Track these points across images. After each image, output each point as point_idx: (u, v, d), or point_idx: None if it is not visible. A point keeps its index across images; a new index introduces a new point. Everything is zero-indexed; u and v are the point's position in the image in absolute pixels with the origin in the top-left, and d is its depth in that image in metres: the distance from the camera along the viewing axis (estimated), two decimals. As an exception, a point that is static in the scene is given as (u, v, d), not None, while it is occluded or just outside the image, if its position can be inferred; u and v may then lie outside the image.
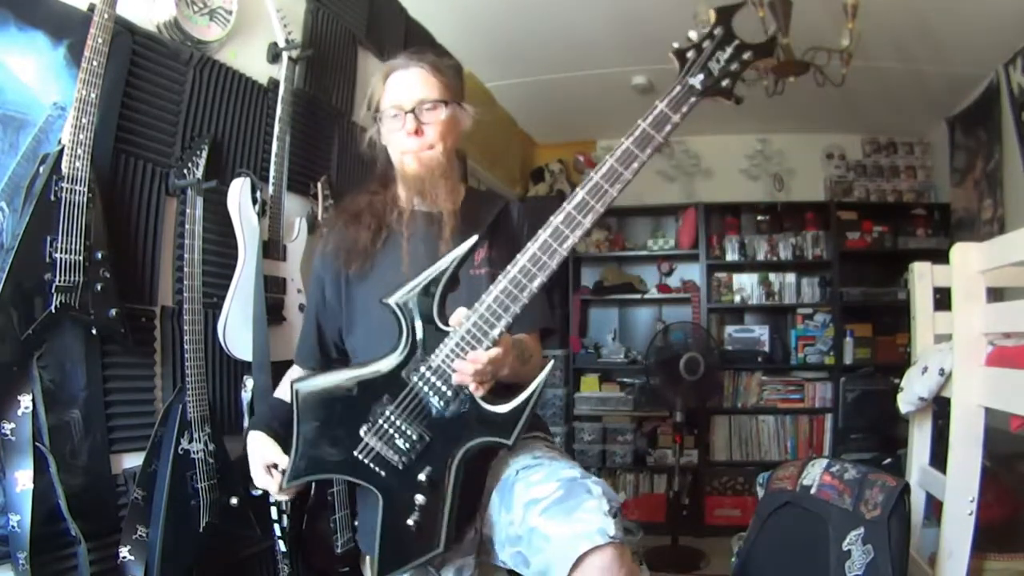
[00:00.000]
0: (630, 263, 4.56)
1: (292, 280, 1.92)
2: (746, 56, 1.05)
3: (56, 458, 1.34)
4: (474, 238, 1.14)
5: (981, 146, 3.58)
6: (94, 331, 1.40)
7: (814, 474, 1.87)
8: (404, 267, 1.31)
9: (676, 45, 1.06)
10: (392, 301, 1.15)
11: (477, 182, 3.63)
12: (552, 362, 1.17)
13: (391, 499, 1.14)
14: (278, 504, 1.74)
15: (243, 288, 1.74)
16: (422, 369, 1.13)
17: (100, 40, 1.36)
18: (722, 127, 4.33)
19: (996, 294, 1.98)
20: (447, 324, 1.12)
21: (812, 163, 4.45)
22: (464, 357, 1.09)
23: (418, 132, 1.31)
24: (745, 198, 4.42)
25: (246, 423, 1.78)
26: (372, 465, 1.15)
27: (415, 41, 2.72)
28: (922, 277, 2.17)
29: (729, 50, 1.05)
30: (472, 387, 1.10)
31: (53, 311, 1.32)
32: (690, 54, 1.05)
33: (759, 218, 4.40)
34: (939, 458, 1.97)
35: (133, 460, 1.55)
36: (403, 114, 1.31)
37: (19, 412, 1.32)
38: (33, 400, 1.33)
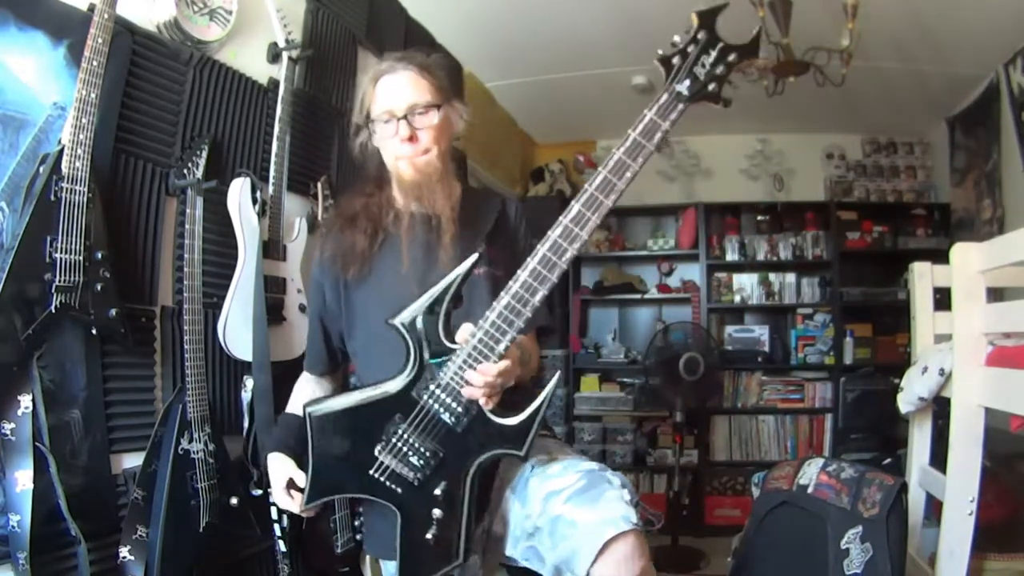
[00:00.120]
0: (630, 263, 4.56)
1: (292, 280, 1.92)
2: (731, 58, 1.05)
3: (56, 458, 1.34)
4: (474, 256, 1.15)
5: (981, 146, 3.58)
6: (94, 331, 1.40)
7: (811, 473, 1.87)
8: (404, 272, 1.32)
9: (661, 52, 1.06)
10: (398, 321, 1.16)
11: (477, 182, 3.62)
12: (560, 373, 1.20)
13: (409, 515, 1.16)
14: (278, 504, 1.74)
15: (243, 288, 1.74)
16: (431, 387, 1.15)
17: (100, 40, 1.36)
18: (722, 127, 4.33)
19: (996, 294, 1.98)
20: (453, 341, 1.14)
21: (812, 163, 4.45)
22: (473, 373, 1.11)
23: (412, 139, 1.30)
24: (745, 198, 4.42)
25: (246, 423, 1.78)
26: (388, 483, 1.17)
27: (415, 41, 2.73)
28: (922, 277, 2.17)
29: (714, 53, 1.04)
30: (482, 401, 1.13)
31: (53, 311, 1.32)
32: (675, 60, 1.05)
33: (759, 218, 4.39)
34: (939, 458, 1.97)
35: (133, 460, 1.55)
36: (395, 121, 1.29)
37: (19, 412, 1.32)
38: (33, 400, 1.33)
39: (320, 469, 1.19)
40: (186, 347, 1.59)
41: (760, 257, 4.25)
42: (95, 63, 1.36)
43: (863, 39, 2.54)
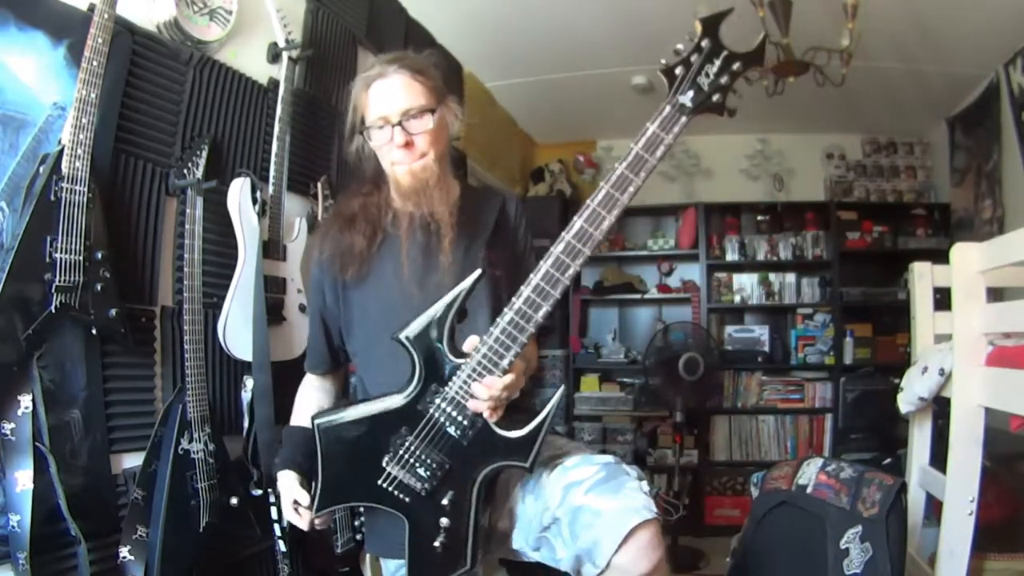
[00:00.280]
0: (630, 263, 4.56)
1: (292, 280, 1.92)
2: (735, 67, 1.03)
3: (56, 458, 1.34)
4: (478, 272, 1.16)
5: (981, 146, 3.58)
6: (94, 331, 1.40)
7: (810, 473, 1.87)
8: (403, 274, 1.32)
9: (664, 62, 1.04)
10: (403, 336, 1.17)
11: (477, 182, 3.62)
12: (563, 388, 1.22)
13: (417, 523, 1.19)
14: (278, 504, 1.74)
15: (243, 288, 1.74)
16: (437, 400, 1.16)
17: (100, 40, 1.36)
18: (722, 127, 4.30)
19: (996, 294, 1.98)
20: (458, 355, 1.15)
21: (812, 163, 4.45)
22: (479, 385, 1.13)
23: (408, 145, 1.28)
24: (745, 198, 4.41)
25: (246, 423, 1.78)
26: (396, 492, 1.19)
27: (415, 41, 2.72)
28: (922, 277, 2.17)
29: (718, 62, 1.03)
30: (486, 414, 1.14)
31: (53, 311, 1.32)
32: (678, 70, 1.04)
33: (759, 218, 4.39)
34: (939, 458, 1.97)
35: (133, 460, 1.55)
36: (390, 127, 1.28)
37: (19, 412, 1.32)
38: (33, 400, 1.33)
39: (329, 479, 1.22)
40: (186, 347, 1.59)
41: (760, 257, 4.25)
42: (95, 63, 1.36)
43: (863, 39, 2.54)
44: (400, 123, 1.27)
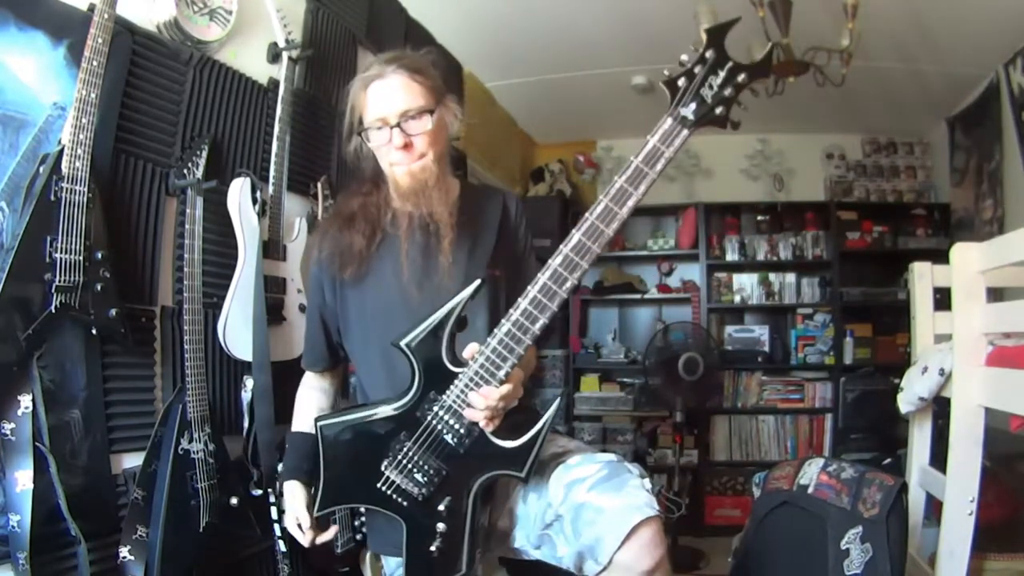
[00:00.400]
0: (630, 263, 4.56)
1: (292, 280, 1.92)
2: (741, 78, 1.01)
3: (56, 458, 1.34)
4: (477, 282, 1.16)
5: (981, 146, 3.58)
6: (94, 331, 1.40)
7: (811, 474, 1.87)
8: (403, 275, 1.32)
9: (667, 73, 1.01)
10: (403, 343, 1.17)
11: (477, 182, 3.62)
12: (560, 400, 1.23)
13: (414, 527, 1.20)
14: (278, 504, 1.74)
15: (243, 288, 1.74)
16: (435, 408, 1.17)
17: (100, 40, 1.36)
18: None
19: (996, 294, 1.98)
20: (456, 364, 1.16)
21: (812, 163, 4.45)
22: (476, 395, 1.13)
23: (406, 146, 1.27)
24: (745, 198, 4.41)
25: (246, 423, 1.78)
26: (395, 496, 1.20)
27: (415, 41, 2.72)
28: (922, 277, 2.17)
29: (722, 73, 1.01)
30: (483, 423, 1.15)
31: (53, 311, 1.32)
32: (681, 82, 1.02)
33: (759, 218, 4.39)
34: (939, 458, 1.97)
35: (133, 460, 1.55)
36: (389, 128, 1.27)
37: (19, 412, 1.32)
38: (33, 400, 1.33)
39: (330, 480, 1.23)
40: (186, 347, 1.59)
41: (760, 257, 4.25)
42: (95, 63, 1.36)
43: (863, 39, 2.54)
44: (399, 124, 1.26)
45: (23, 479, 1.30)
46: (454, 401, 1.15)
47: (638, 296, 4.38)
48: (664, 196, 4.45)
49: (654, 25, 2.92)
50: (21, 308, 1.28)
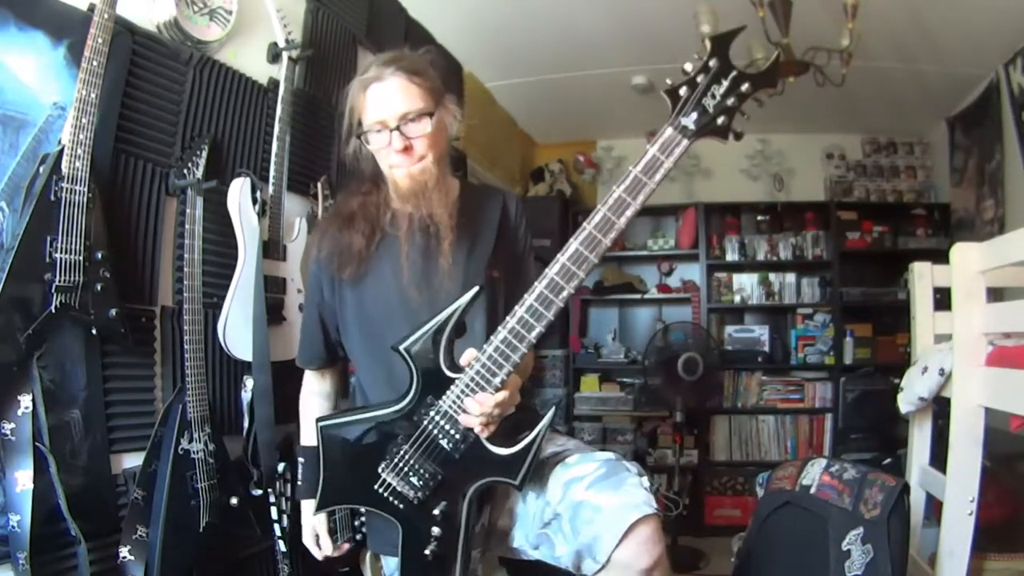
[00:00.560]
0: (630, 263, 4.56)
1: (292, 280, 1.92)
2: (744, 88, 1.00)
3: (56, 458, 1.34)
4: (476, 289, 1.17)
5: (981, 146, 3.58)
6: (94, 331, 1.40)
7: (813, 474, 1.87)
8: (404, 278, 1.32)
9: (669, 82, 0.99)
10: (402, 348, 1.18)
11: (477, 182, 3.62)
12: (554, 409, 1.22)
13: (410, 530, 1.20)
14: (278, 504, 1.74)
15: (243, 288, 1.74)
16: (432, 413, 1.18)
17: (100, 40, 1.36)
18: (722, 127, 4.32)
19: (996, 294, 1.98)
20: (454, 369, 1.16)
21: (812, 163, 4.45)
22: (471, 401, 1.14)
23: (406, 149, 1.27)
24: (745, 198, 4.41)
25: (246, 423, 1.78)
26: (391, 499, 1.21)
27: (415, 41, 2.72)
28: (922, 277, 2.17)
29: (725, 83, 0.99)
30: (478, 429, 1.15)
31: (53, 311, 1.32)
32: (683, 91, 1.00)
33: (759, 218, 4.39)
34: (939, 458, 1.97)
35: (133, 460, 1.55)
36: (388, 131, 1.26)
37: (19, 412, 1.32)
38: (33, 400, 1.33)
39: (329, 480, 1.24)
40: (186, 347, 1.59)
41: (760, 257, 4.25)
42: (95, 63, 1.36)
43: (863, 39, 2.54)
44: (398, 127, 1.26)
45: (23, 479, 1.30)
46: (450, 406, 1.16)
47: (638, 296, 4.38)
48: (664, 196, 4.44)
49: (654, 25, 2.92)
50: (21, 308, 1.28)
